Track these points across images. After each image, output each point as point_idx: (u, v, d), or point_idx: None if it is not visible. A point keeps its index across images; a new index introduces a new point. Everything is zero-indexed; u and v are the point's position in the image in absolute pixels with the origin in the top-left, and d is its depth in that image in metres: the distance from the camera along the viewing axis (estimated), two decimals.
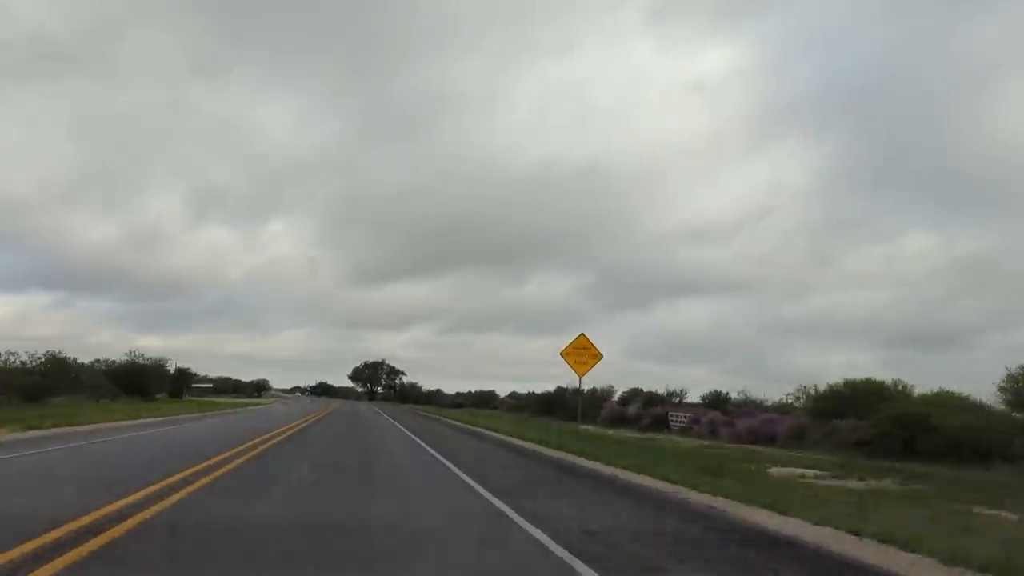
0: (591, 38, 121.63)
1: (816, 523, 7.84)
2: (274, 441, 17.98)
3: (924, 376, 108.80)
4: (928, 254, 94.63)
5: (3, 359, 38.88)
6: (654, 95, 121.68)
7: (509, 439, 24.42)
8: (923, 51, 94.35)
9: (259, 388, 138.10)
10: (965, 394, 25.77)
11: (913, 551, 6.44)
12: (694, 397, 50.06)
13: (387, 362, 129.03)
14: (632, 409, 42.14)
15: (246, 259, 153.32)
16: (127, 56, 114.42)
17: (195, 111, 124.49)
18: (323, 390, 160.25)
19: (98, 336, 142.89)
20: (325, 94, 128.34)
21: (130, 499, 7.57)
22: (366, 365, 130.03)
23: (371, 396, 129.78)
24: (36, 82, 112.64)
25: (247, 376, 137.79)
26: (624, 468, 13.59)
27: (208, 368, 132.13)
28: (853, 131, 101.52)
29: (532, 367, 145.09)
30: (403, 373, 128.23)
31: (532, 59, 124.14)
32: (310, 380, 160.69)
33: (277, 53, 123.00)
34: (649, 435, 33.97)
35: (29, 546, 5.22)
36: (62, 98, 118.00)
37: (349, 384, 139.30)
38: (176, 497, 7.91)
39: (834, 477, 14.74)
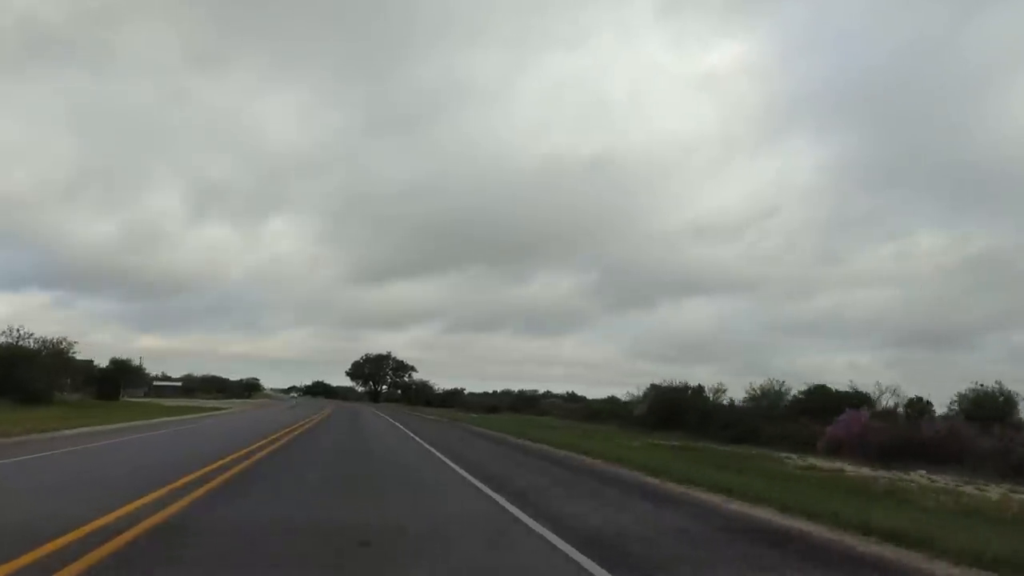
0: (601, 32, 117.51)
1: None
2: None
3: (929, 377, 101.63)
4: (939, 252, 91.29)
5: None
6: (664, 90, 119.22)
7: None
8: (938, 47, 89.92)
9: (249, 388, 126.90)
10: None
11: None
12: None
13: (393, 356, 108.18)
14: (927, 430, 20.59)
15: (246, 257, 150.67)
16: (124, 45, 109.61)
17: (195, 104, 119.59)
18: (320, 390, 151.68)
19: (99, 335, 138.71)
20: (328, 88, 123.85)
21: None
22: (367, 360, 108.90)
23: (374, 396, 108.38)
24: (29, 70, 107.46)
25: (250, 376, 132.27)
26: None
27: (207, 367, 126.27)
28: (865, 128, 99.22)
29: (532, 367, 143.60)
30: (413, 369, 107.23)
31: (541, 52, 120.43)
32: (310, 380, 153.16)
33: (278, 45, 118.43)
34: None
35: None
36: (58, 89, 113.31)
37: (349, 383, 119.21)
38: None
39: None
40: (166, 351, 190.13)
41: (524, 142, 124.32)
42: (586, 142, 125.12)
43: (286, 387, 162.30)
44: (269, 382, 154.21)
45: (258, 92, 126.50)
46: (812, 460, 21.09)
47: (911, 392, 31.17)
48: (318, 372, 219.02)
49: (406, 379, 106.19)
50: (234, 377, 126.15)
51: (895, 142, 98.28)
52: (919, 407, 30.01)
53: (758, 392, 37.14)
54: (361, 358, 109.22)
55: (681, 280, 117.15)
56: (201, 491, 8.04)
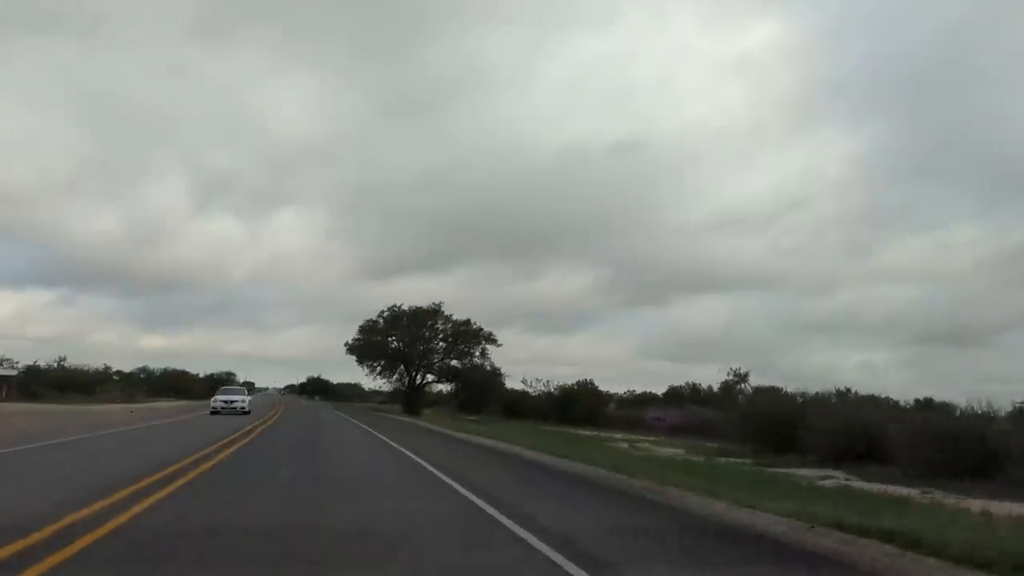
0: (630, 11, 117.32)
1: None
2: None
3: (948, 377, 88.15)
4: (973, 245, 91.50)
5: None
6: (693, 75, 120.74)
7: None
8: (983, 31, 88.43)
9: (219, 386, 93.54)
10: None
11: None
12: None
13: (447, 313, 55.18)
14: None
15: (251, 252, 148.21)
16: (126, 24, 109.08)
17: (198, 84, 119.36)
18: (316, 387, 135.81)
19: (103, 335, 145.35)
20: (337, 71, 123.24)
21: None
22: (393, 317, 55.53)
23: (410, 398, 56.29)
24: (11, 46, 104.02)
25: (257, 375, 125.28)
26: None
27: (214, 366, 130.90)
28: (902, 115, 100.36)
29: (537, 365, 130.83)
30: (491, 339, 54.32)
31: (564, 34, 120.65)
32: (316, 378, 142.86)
33: (285, 23, 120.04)
34: None
35: None
36: (47, 68, 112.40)
37: (360, 375, 69.95)
38: None
39: None
40: (171, 350, 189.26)
41: (543, 130, 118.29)
42: (609, 131, 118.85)
43: (282, 386, 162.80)
44: (274, 381, 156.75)
45: (264, 74, 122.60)
46: None
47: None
48: (326, 371, 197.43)
49: (476, 358, 53.65)
50: (241, 375, 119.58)
51: (932, 129, 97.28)
52: None
53: None
54: (380, 315, 55.45)
55: (698, 277, 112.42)
56: None
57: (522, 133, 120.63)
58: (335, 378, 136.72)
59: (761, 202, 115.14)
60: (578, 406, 45.83)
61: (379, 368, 54.65)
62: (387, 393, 67.60)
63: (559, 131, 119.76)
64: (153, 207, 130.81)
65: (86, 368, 64.96)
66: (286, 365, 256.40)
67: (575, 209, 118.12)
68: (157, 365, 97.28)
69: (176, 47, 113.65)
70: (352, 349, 55.13)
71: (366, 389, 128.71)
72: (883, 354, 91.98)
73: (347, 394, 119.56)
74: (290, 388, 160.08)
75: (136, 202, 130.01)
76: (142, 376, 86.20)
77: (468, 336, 53.25)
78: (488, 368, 52.75)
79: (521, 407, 53.92)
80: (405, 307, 54.65)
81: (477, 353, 53.18)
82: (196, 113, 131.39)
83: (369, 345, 54.19)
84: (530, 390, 54.42)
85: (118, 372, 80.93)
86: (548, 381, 51.60)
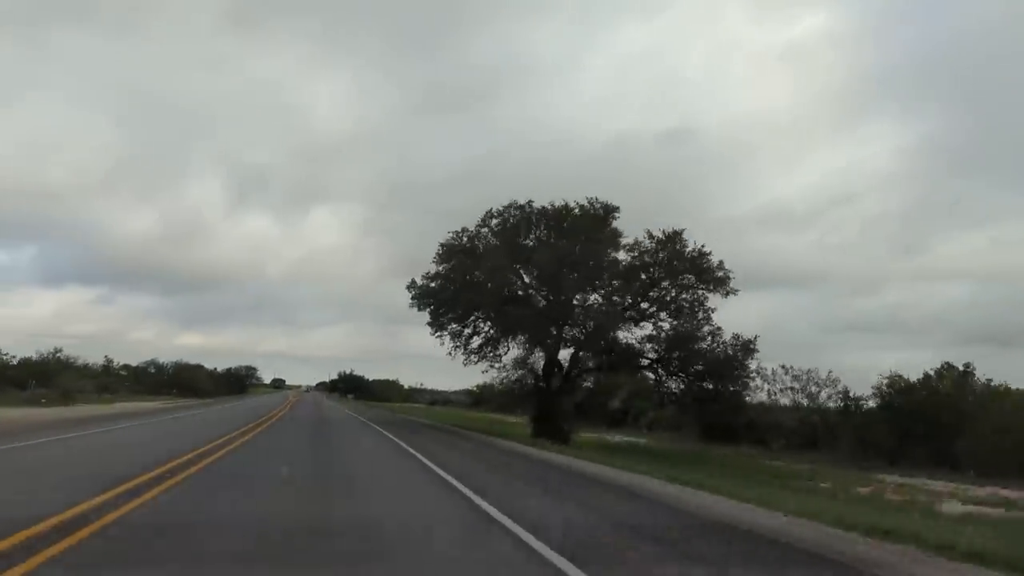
0: (678, 1, 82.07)
1: None
2: None
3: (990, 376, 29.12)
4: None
5: None
6: (741, 66, 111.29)
7: None
8: None
9: (241, 383, 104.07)
10: None
11: None
12: None
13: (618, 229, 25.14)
14: None
15: (287, 250, 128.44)
16: (162, 16, 79.14)
17: (235, 77, 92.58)
18: (349, 385, 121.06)
19: (141, 332, 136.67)
20: (376, 63, 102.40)
21: None
22: (508, 221, 25.28)
23: (547, 402, 24.15)
24: (47, 39, 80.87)
25: (291, 373, 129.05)
26: None
27: (250, 364, 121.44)
28: (956, 107, 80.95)
29: None
30: (724, 282, 23.76)
31: (610, 25, 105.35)
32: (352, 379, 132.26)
33: (326, 21, 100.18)
34: None
35: None
36: (85, 61, 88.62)
37: (434, 348, 51.28)
38: None
39: None
40: (207, 347, 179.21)
41: (586, 123, 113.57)
42: (654, 124, 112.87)
43: (314, 383, 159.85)
44: (307, 379, 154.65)
45: (302, 69, 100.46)
46: None
47: None
48: (360, 368, 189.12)
49: (698, 319, 24.04)
50: (275, 372, 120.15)
51: (987, 122, 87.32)
52: None
53: None
54: (483, 222, 25.57)
55: (738, 273, 49.43)
56: None
57: (564, 127, 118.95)
58: (371, 374, 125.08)
59: (807, 197, 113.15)
60: (943, 431, 19.03)
61: (480, 335, 25.69)
62: (457, 392, 41.63)
63: (603, 124, 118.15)
64: (190, 206, 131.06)
65: (76, 361, 56.69)
66: (322, 363, 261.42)
67: (616, 202, 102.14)
68: (195, 362, 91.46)
69: (213, 41, 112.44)
70: (422, 296, 26.19)
71: (405, 387, 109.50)
72: (925, 354, 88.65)
73: (384, 393, 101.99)
74: (321, 385, 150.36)
75: (173, 201, 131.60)
76: (151, 371, 79.51)
77: (675, 273, 24.73)
78: (719, 338, 24.92)
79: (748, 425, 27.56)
80: (536, 205, 26.01)
81: (697, 309, 25.19)
82: (233, 109, 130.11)
83: (456, 286, 25.15)
84: (774, 391, 27.87)
85: (125, 366, 76.26)
86: (815, 374, 24.96)
